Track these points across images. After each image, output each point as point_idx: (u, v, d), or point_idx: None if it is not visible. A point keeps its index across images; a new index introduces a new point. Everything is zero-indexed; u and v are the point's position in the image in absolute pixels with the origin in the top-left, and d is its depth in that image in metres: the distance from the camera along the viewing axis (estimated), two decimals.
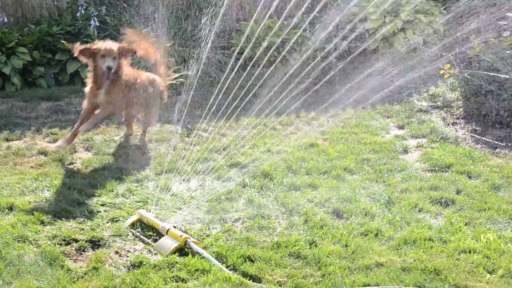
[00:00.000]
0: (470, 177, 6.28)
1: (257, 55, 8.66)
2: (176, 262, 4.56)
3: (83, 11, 10.63)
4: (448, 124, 7.98)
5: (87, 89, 6.79)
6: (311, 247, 4.82)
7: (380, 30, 10.44)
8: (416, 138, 7.56)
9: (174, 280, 4.36)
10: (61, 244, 4.82)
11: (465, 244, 4.85)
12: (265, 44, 8.91)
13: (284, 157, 6.73)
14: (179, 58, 9.75)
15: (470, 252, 4.75)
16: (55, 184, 5.91)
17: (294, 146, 7.12)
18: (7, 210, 5.35)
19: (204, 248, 4.77)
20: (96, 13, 10.47)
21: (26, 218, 5.17)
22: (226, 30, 10.64)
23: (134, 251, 4.78)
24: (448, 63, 8.64)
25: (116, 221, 5.26)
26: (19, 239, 4.84)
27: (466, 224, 5.26)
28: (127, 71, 6.82)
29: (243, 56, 8.63)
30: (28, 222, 5.11)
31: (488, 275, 4.44)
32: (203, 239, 4.97)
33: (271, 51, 9.08)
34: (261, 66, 7.51)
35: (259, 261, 4.61)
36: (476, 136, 7.48)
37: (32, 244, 4.80)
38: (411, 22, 10.60)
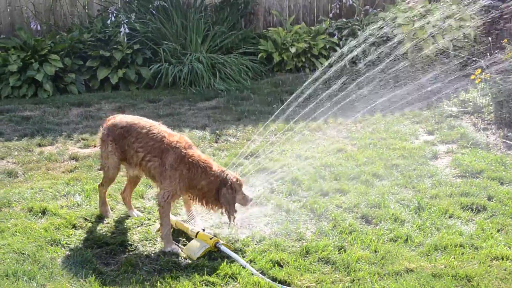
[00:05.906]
0: (502, 183, 6.19)
1: None
2: (206, 266, 4.59)
3: (113, 19, 10.78)
4: (479, 130, 7.87)
5: None
6: (340, 253, 4.81)
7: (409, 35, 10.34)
8: (446, 143, 7.47)
9: (204, 284, 4.39)
10: (92, 248, 4.89)
11: (497, 251, 4.79)
12: None
13: (312, 162, 6.73)
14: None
15: (502, 259, 4.69)
16: (86, 188, 6.01)
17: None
18: (40, 214, 5.45)
19: (233, 252, 4.79)
20: (126, 20, 10.62)
21: (59, 222, 5.27)
22: None
23: (164, 255, 4.82)
24: (479, 68, 8.54)
25: (146, 225, 5.31)
26: (52, 242, 4.93)
27: (498, 231, 5.19)
28: None
29: None
30: (60, 226, 5.20)
31: None
32: (232, 243, 4.99)
33: None
34: None
35: (288, 266, 4.62)
36: (508, 141, 7.36)
37: (64, 248, 4.89)
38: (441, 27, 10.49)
